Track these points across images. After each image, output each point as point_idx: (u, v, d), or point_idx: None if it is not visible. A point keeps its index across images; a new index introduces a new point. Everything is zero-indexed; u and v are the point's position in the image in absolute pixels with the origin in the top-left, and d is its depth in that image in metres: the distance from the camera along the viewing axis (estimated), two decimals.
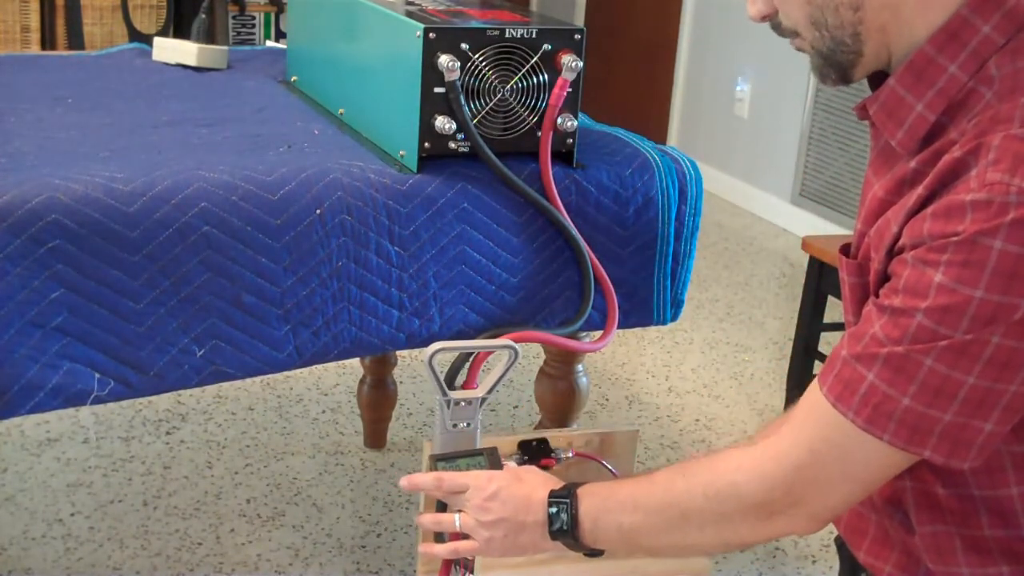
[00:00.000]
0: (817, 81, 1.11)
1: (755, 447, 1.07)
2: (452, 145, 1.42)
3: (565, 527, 1.15)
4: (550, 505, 1.16)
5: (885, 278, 0.99)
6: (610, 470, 1.36)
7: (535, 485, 1.19)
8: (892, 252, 0.99)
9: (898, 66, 1.01)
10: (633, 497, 1.13)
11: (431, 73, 1.38)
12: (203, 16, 1.98)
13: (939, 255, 0.92)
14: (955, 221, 0.91)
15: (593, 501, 1.15)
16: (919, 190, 0.96)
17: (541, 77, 1.43)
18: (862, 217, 1.08)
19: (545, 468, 1.36)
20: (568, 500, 1.16)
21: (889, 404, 0.95)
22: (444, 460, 1.28)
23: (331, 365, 2.91)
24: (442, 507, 1.27)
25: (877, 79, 1.07)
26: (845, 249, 1.11)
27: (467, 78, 1.40)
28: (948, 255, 0.91)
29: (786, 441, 1.04)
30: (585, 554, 1.19)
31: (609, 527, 1.14)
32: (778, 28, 1.08)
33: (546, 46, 1.42)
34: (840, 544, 1.26)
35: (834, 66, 1.05)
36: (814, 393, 1.02)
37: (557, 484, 1.19)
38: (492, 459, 1.28)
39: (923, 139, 1.00)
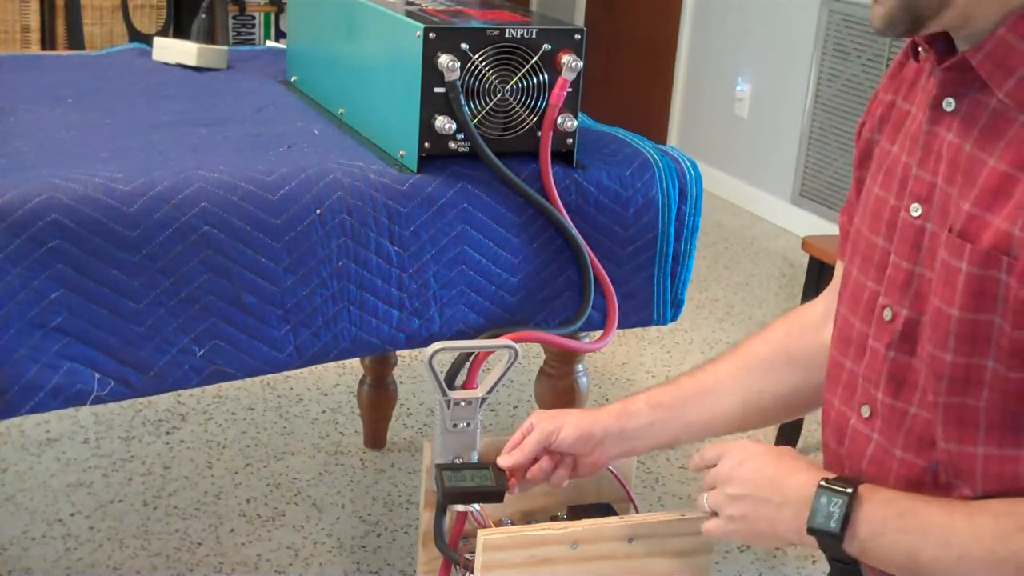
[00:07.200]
0: (879, 29, 0.99)
1: None
2: (452, 145, 1.42)
3: (833, 525, 0.98)
4: (820, 493, 0.99)
5: None
6: (610, 470, 1.36)
7: (796, 468, 1.03)
8: None
9: (999, 24, 0.94)
10: (947, 531, 0.96)
11: (431, 73, 1.38)
12: (203, 16, 1.98)
13: None
14: None
15: (881, 510, 0.98)
16: None
17: (541, 77, 1.43)
18: (973, 198, 0.96)
19: None
20: (847, 494, 0.98)
21: None
22: (450, 470, 1.28)
23: (331, 365, 2.91)
24: (442, 508, 1.27)
25: (937, 48, 1.00)
26: (922, 232, 1.00)
27: (467, 78, 1.40)
28: None
29: None
30: (838, 561, 1.00)
31: (897, 550, 0.97)
32: None
33: (546, 46, 1.42)
34: None
35: (911, 11, 0.96)
36: None
37: (821, 472, 1.02)
38: (497, 473, 1.28)
39: None
